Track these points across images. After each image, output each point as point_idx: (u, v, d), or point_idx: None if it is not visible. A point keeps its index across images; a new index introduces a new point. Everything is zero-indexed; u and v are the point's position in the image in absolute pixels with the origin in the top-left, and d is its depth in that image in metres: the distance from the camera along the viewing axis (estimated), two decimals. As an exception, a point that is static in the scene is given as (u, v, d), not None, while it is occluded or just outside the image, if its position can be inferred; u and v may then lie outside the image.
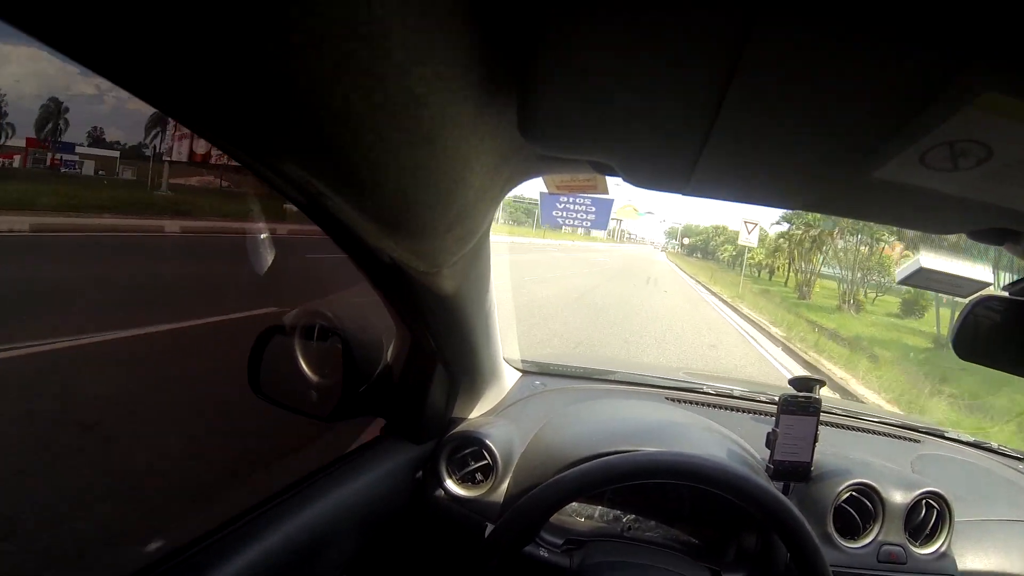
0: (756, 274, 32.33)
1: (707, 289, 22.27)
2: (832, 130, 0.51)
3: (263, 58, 0.37)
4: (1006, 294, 0.87)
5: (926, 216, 0.72)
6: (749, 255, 30.73)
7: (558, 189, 0.88)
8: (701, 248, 56.65)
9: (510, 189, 0.81)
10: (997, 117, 0.43)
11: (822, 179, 0.62)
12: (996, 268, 1.13)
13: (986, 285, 1.06)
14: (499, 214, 0.97)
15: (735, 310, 16.02)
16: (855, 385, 8.76)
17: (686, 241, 61.95)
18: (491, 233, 1.00)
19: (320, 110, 0.43)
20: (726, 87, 0.46)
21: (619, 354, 7.55)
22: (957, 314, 0.94)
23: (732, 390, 1.75)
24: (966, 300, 0.95)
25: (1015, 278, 0.89)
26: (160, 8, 0.33)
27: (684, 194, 0.73)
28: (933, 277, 1.07)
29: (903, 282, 1.09)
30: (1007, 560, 1.33)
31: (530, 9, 0.43)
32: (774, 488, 0.98)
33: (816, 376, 1.37)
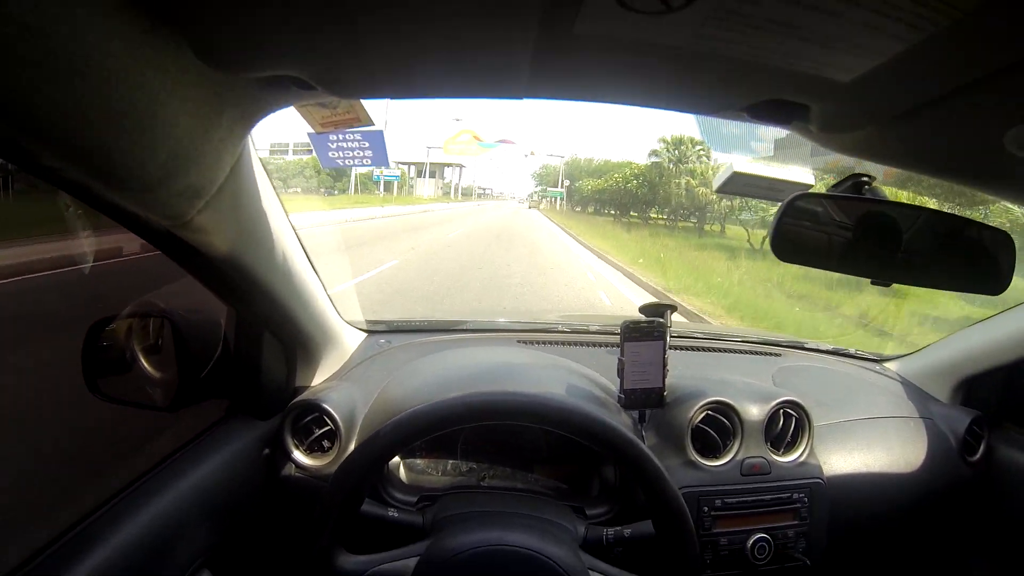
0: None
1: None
2: None
3: None
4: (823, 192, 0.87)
5: (678, 89, 0.66)
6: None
7: (323, 127, 0.85)
8: (618, 201, 28.40)
9: (244, 130, 0.77)
10: None
11: (522, 48, 0.56)
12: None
13: (807, 187, 1.07)
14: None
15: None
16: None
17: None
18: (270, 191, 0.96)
19: None
20: None
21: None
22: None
23: (588, 326, 1.75)
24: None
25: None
26: None
27: (390, 97, 0.73)
28: (750, 181, 1.07)
29: (719, 190, 1.09)
30: (870, 456, 1.41)
31: None
32: (601, 414, 0.96)
33: (666, 302, 1.40)
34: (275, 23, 0.53)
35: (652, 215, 26.78)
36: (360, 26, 0.53)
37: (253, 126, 0.78)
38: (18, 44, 0.43)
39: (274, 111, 0.77)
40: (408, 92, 0.72)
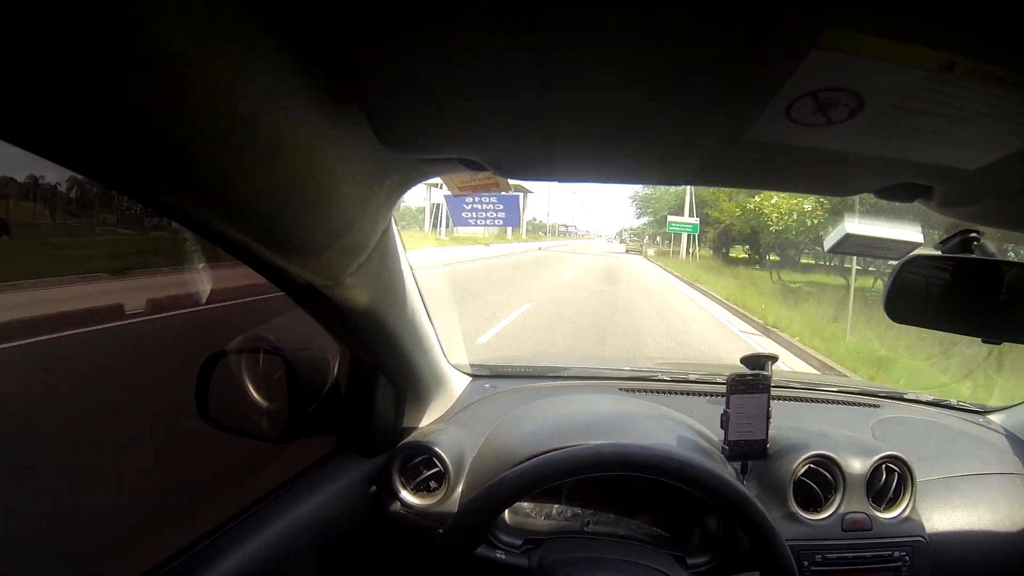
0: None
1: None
2: (678, 95, 0.50)
3: (82, 88, 0.38)
4: (937, 252, 0.87)
5: (821, 177, 0.71)
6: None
7: (460, 191, 0.88)
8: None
9: (398, 196, 0.81)
10: (853, 57, 0.41)
11: (695, 148, 0.61)
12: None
13: (917, 245, 1.06)
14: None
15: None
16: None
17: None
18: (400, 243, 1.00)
19: (149, 142, 0.44)
20: (540, 67, 0.46)
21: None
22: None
23: (687, 375, 1.75)
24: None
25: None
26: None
27: (559, 180, 0.75)
28: (862, 242, 1.07)
29: (832, 250, 1.09)
30: (974, 515, 1.35)
31: (344, 34, 0.46)
32: (719, 469, 0.97)
33: (768, 353, 1.38)
34: (464, 115, 0.57)
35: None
36: (555, 124, 0.57)
37: (407, 191, 0.81)
38: (231, 135, 0.47)
39: (429, 179, 0.81)
40: (580, 178, 0.77)
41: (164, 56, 0.38)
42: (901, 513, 1.29)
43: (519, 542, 1.17)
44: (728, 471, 1.25)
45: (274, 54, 0.45)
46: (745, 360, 1.36)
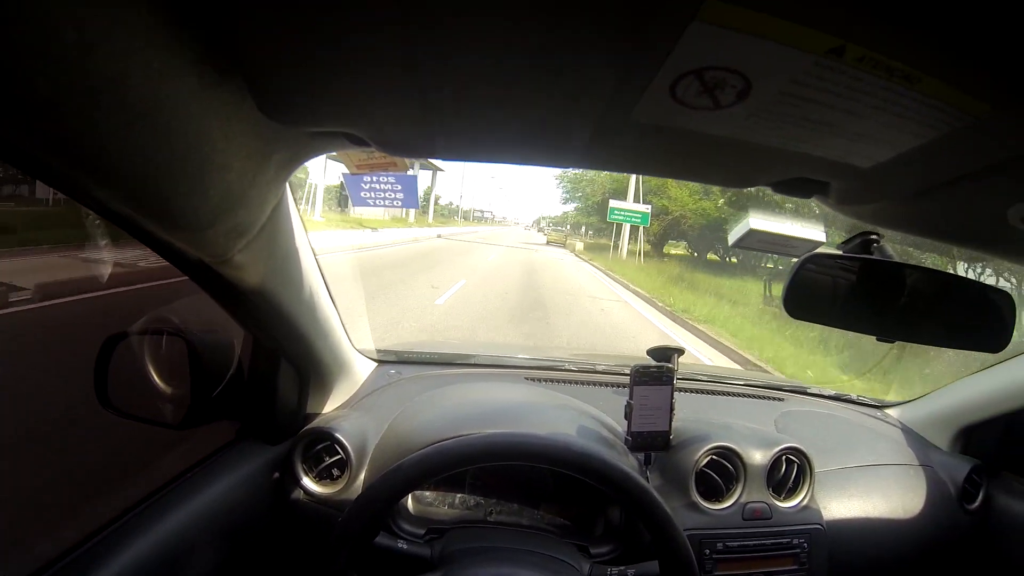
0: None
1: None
2: (557, 68, 0.48)
3: None
4: (838, 252, 0.90)
5: (715, 166, 0.70)
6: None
7: (358, 169, 0.86)
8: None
9: (289, 173, 0.79)
10: (735, 33, 0.39)
11: (582, 126, 0.60)
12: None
13: (819, 244, 1.08)
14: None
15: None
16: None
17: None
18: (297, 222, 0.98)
19: (17, 99, 0.42)
20: (411, 40, 0.45)
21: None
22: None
23: (595, 365, 1.77)
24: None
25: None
26: None
27: (443, 158, 0.74)
28: (765, 238, 1.09)
29: (735, 245, 1.12)
30: (869, 503, 1.42)
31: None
32: (617, 459, 0.98)
33: (675, 345, 1.41)
34: (342, 86, 0.55)
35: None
36: (430, 97, 0.55)
37: (297, 168, 0.80)
38: (100, 94, 0.44)
39: (319, 155, 0.79)
40: (463, 156, 0.76)
41: (24, 5, 0.36)
42: (800, 502, 1.34)
43: (422, 531, 1.17)
44: (630, 462, 1.27)
45: (145, 13, 0.43)
46: (651, 352, 1.39)
